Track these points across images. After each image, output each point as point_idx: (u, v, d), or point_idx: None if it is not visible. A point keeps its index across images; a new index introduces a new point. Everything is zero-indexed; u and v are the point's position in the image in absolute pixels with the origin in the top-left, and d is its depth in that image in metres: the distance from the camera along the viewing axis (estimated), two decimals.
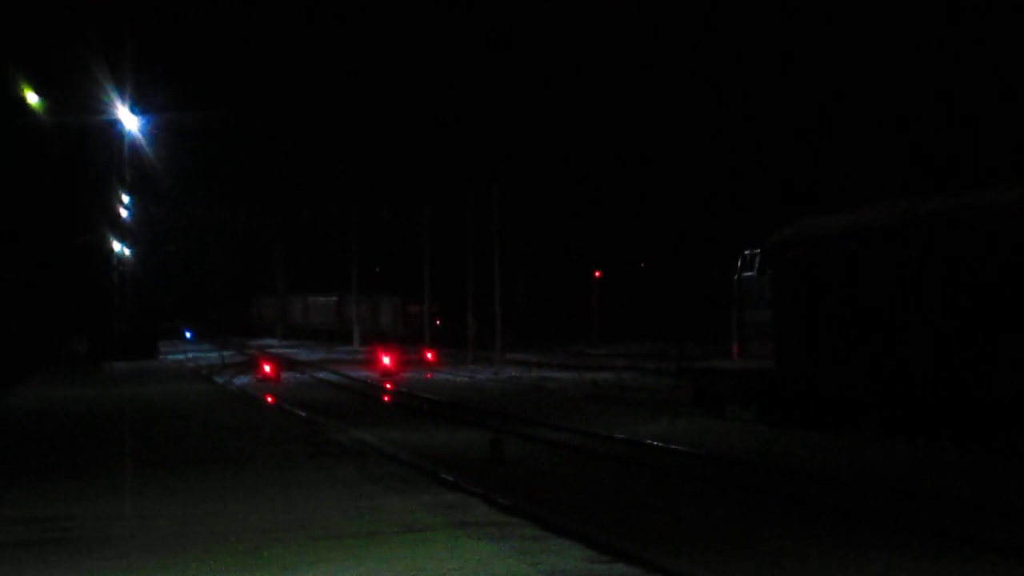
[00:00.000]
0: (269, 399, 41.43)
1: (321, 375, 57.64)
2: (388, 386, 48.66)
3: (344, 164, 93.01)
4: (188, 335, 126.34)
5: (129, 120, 60.09)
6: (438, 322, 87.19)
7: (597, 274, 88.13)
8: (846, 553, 14.47)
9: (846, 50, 62.64)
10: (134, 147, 68.34)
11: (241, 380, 53.63)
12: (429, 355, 66.49)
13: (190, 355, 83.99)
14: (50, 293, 66.46)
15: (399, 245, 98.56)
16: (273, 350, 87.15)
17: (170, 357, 79.67)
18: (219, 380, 52.92)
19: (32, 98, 46.29)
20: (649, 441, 26.11)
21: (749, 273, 32.08)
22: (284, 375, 55.65)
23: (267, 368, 55.31)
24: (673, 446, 25.05)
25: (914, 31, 59.28)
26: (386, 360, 58.02)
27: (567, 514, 17.36)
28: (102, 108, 55.05)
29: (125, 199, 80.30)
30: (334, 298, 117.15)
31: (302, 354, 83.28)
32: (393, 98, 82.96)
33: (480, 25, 77.86)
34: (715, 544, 15.30)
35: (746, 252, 32.45)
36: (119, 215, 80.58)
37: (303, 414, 34.86)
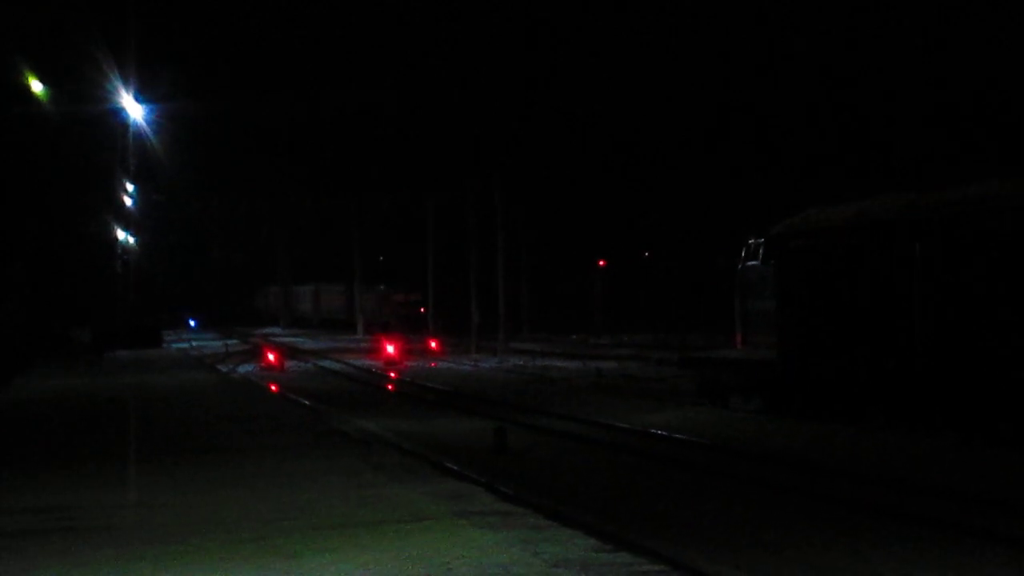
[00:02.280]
0: (273, 388, 41.45)
1: (325, 364, 57.69)
2: (392, 375, 48.69)
3: (347, 153, 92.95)
4: (192, 324, 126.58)
5: (133, 108, 60.08)
6: (422, 310, 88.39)
7: (601, 263, 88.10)
8: (848, 542, 14.47)
9: (852, 42, 62.61)
10: (138, 136, 68.30)
11: (245, 369, 53.69)
12: (433, 344, 66.56)
13: (194, 344, 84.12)
14: (54, 282, 66.49)
15: (401, 234, 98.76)
16: (277, 339, 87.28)
17: (174, 346, 79.79)
18: (223, 369, 52.97)
19: (36, 87, 46.26)
20: (653, 431, 26.11)
21: (753, 263, 32.00)
22: (288, 364, 55.71)
23: (271, 357, 55.38)
24: (677, 436, 25.06)
25: (919, 25, 59.25)
26: (390, 349, 58.07)
27: (571, 503, 17.37)
28: (106, 96, 55.02)
29: (129, 188, 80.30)
30: (311, 287, 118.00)
31: (306, 343, 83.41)
32: (397, 87, 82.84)
33: (484, 14, 77.73)
34: (718, 533, 15.30)
35: (750, 242, 32.37)
36: (123, 204, 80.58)
37: (307, 403, 34.88)
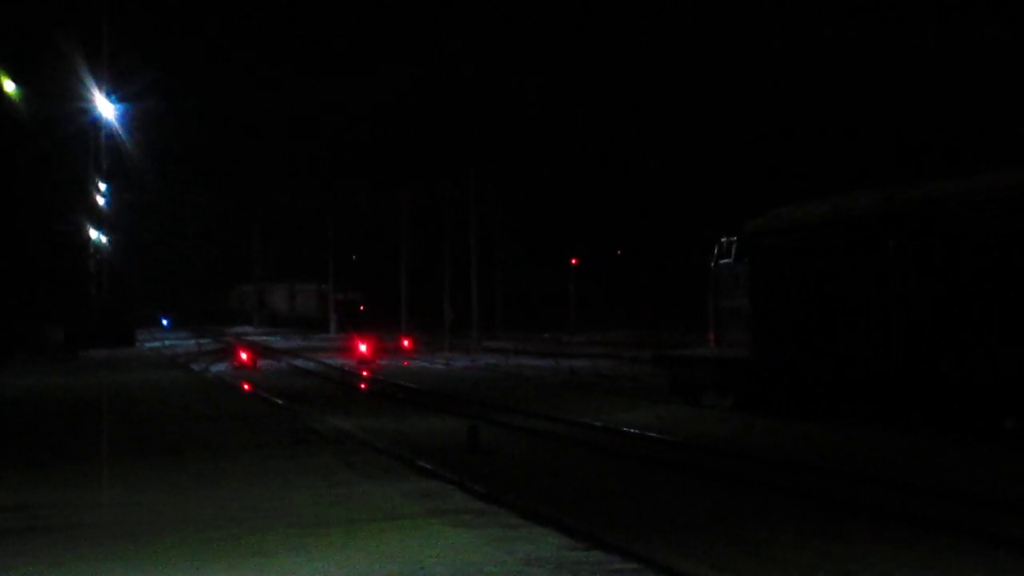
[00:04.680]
0: (246, 387, 41.37)
1: (298, 363, 57.59)
2: (365, 374, 48.64)
3: (322, 152, 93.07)
4: (165, 323, 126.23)
5: (106, 107, 59.97)
6: (362, 308, 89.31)
7: (574, 261, 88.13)
8: (823, 540, 14.49)
9: (830, 39, 62.83)
10: (111, 134, 68.16)
11: (218, 368, 53.55)
12: (406, 343, 66.51)
13: (167, 343, 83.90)
14: (26, 281, 66.24)
15: (375, 233, 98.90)
16: (250, 338, 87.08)
17: (147, 345, 79.54)
18: (196, 368, 52.81)
19: (8, 86, 46.12)
20: (626, 429, 26.14)
21: (726, 260, 32.06)
22: (261, 363, 55.61)
23: (244, 356, 55.27)
24: (650, 434, 25.09)
25: (895, 24, 59.48)
26: (363, 348, 58.04)
27: (544, 502, 17.38)
28: (79, 95, 54.89)
29: (102, 187, 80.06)
30: (253, 287, 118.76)
31: (279, 342, 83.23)
32: (372, 87, 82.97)
33: (458, 15, 77.93)
34: (692, 531, 15.33)
35: (723, 239, 32.42)
36: (96, 203, 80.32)
37: (280, 402, 34.83)
